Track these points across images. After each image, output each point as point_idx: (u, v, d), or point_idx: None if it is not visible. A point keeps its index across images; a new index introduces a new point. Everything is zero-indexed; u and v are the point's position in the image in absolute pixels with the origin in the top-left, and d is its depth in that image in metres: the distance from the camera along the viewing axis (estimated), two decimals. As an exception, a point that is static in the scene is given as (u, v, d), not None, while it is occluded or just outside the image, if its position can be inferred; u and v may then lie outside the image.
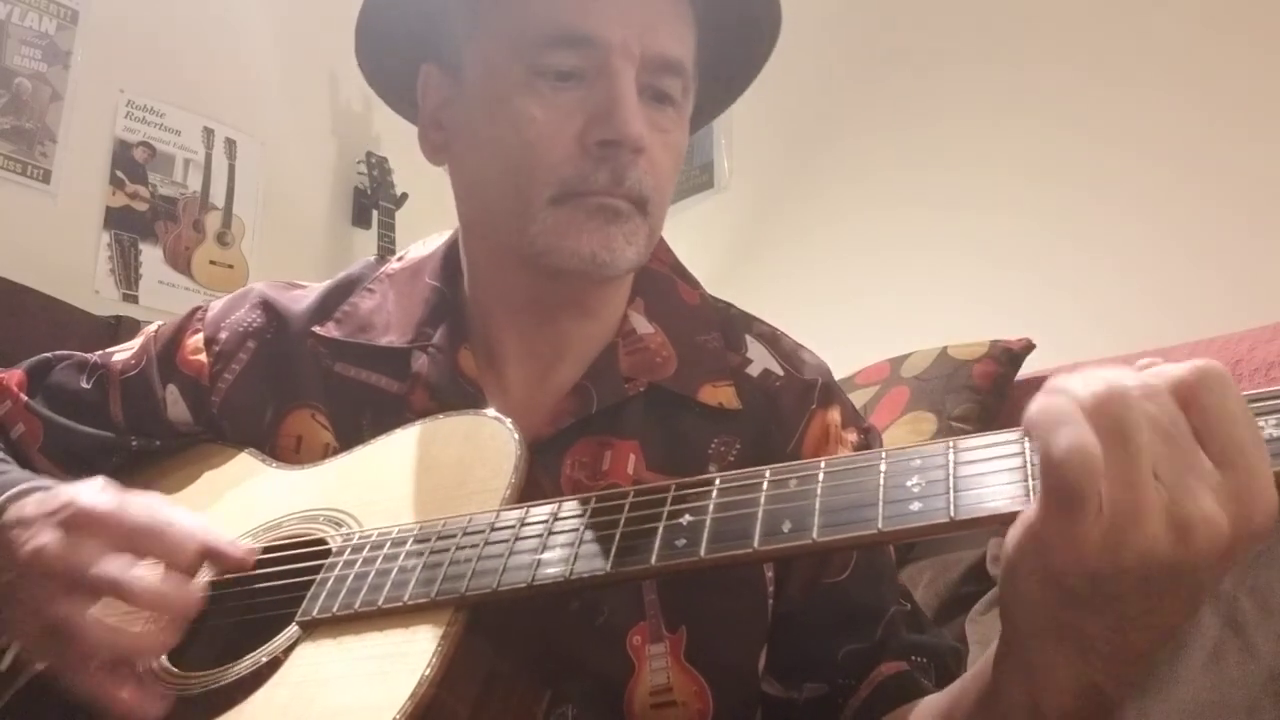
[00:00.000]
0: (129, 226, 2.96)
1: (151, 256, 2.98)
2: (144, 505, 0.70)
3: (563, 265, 0.76)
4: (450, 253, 0.90)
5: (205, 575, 0.72)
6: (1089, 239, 2.01)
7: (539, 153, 0.75)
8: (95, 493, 0.69)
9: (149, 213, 3.01)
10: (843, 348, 1.92)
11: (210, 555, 0.70)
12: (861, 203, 2.47)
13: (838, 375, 1.93)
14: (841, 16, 2.62)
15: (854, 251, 2.45)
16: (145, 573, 0.66)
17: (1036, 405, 0.45)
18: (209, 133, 3.15)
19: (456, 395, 0.81)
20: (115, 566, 0.65)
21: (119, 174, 2.96)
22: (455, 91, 0.82)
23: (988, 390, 1.77)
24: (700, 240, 2.78)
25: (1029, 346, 1.81)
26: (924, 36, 2.41)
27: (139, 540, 0.67)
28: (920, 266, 2.29)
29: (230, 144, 3.19)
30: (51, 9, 2.87)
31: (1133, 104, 1.97)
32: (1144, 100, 1.96)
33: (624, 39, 0.75)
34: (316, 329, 0.87)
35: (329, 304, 0.89)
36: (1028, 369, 1.83)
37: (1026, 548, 0.46)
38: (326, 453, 0.82)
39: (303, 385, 0.86)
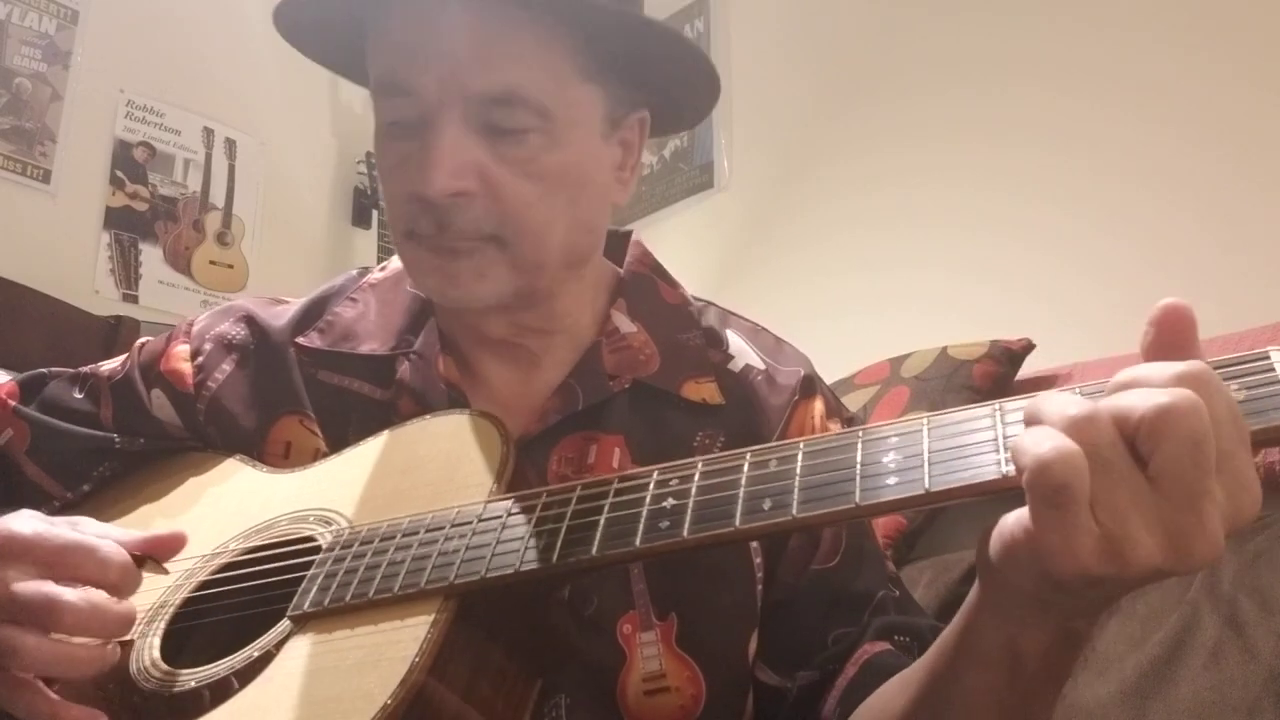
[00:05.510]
0: (129, 226, 2.96)
1: (151, 256, 2.98)
2: (69, 525, 0.69)
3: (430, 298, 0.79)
4: None
5: (145, 585, 0.70)
6: (1089, 241, 2.01)
7: (389, 199, 0.79)
8: (20, 520, 0.68)
9: (149, 213, 3.01)
10: (843, 347, 1.92)
11: (146, 549, 0.70)
12: (862, 202, 2.47)
13: (837, 375, 1.91)
14: (844, 24, 2.63)
15: (855, 251, 2.45)
16: (74, 593, 0.64)
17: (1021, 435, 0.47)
18: (209, 133, 3.16)
19: (442, 400, 0.81)
20: (43, 590, 0.63)
21: (119, 174, 2.97)
22: None
23: (988, 390, 1.76)
24: (700, 240, 2.77)
25: (1029, 346, 1.81)
26: (927, 46, 2.41)
27: (66, 560, 0.66)
28: (921, 266, 2.28)
29: (230, 144, 3.20)
30: (51, 9, 2.88)
31: (1130, 117, 1.99)
32: (1139, 112, 1.97)
33: (439, 85, 0.72)
34: (300, 339, 0.88)
35: (311, 315, 0.90)
36: (1028, 369, 1.83)
37: (1021, 553, 0.47)
38: (316, 457, 0.82)
39: (289, 393, 0.86)
